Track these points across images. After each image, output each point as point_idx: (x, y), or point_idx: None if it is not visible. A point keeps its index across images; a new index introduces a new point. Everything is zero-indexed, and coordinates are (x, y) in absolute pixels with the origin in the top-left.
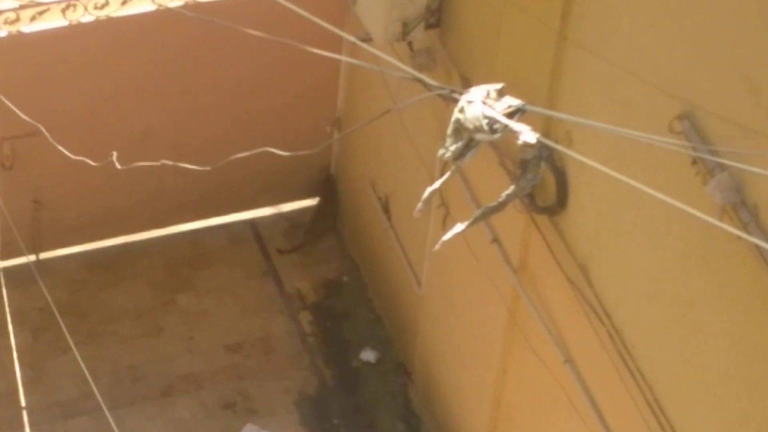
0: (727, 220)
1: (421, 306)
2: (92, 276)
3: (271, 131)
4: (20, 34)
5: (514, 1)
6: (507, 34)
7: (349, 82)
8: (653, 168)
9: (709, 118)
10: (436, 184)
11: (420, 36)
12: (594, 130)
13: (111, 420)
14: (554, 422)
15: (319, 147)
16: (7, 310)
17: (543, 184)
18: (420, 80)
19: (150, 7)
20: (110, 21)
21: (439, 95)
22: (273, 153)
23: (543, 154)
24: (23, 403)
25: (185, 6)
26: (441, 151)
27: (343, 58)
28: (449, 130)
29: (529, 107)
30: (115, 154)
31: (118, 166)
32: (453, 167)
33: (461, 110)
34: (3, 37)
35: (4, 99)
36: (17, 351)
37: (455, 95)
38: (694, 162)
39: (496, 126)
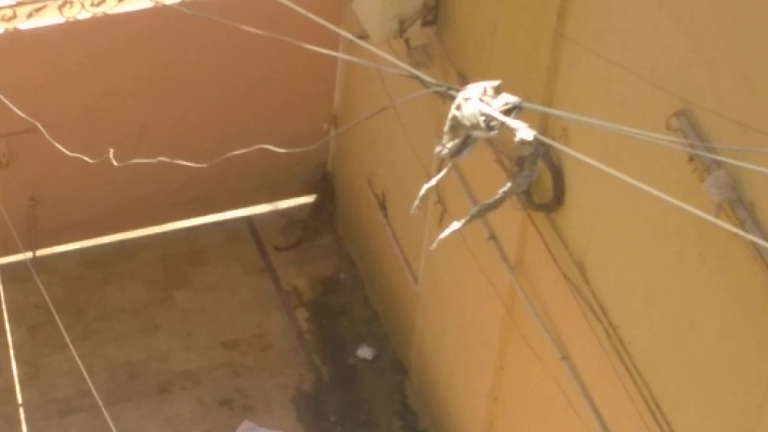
0: (724, 218)
1: (417, 303)
2: (89, 273)
3: (268, 128)
4: (17, 31)
5: None
6: (504, 31)
7: (346, 79)
8: (650, 165)
9: (706, 115)
10: (433, 181)
11: (417, 33)
12: (591, 127)
13: (108, 417)
14: (551, 419)
15: (316, 144)
16: (4, 307)
17: (540, 181)
18: (417, 77)
19: (147, 4)
20: (107, 18)
21: (436, 92)
22: (270, 150)
23: (540, 151)
24: (20, 400)
25: (182, 3)
26: (438, 148)
27: (340, 55)
28: (446, 127)
29: (526, 104)
30: (111, 151)
31: (115, 163)
32: (450, 164)
33: (458, 107)
34: (0, 34)
35: (0, 96)
36: (14, 348)
37: (452, 92)
38: (691, 159)
39: (492, 123)
